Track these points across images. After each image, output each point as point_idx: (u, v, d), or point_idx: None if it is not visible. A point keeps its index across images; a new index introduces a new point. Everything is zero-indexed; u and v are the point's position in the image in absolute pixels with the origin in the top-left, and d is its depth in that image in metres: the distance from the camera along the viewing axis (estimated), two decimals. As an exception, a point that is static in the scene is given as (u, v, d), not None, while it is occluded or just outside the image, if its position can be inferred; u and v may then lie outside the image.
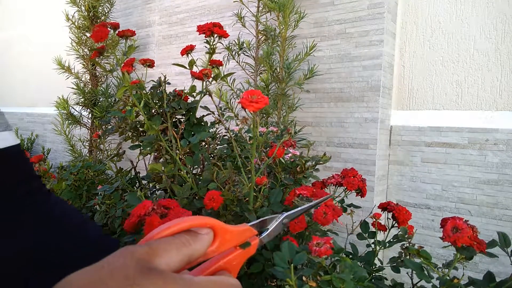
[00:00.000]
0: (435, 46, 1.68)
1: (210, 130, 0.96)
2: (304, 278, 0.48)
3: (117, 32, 0.79)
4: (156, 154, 0.93)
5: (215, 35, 0.96)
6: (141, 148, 0.89)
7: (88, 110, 2.41)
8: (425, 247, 0.63)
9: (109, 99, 2.33)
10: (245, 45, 1.75)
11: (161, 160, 0.90)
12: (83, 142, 2.46)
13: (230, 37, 1.51)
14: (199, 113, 0.95)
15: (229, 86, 1.69)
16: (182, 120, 0.95)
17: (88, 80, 2.52)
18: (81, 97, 2.37)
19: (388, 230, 0.80)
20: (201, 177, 0.88)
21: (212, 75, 0.92)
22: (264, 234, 0.40)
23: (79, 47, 2.45)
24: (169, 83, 0.94)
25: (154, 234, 0.30)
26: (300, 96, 1.78)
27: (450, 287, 0.53)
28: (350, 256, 0.76)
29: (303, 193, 0.70)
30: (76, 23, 2.44)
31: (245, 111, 0.51)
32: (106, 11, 2.50)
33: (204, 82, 0.92)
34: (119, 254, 0.26)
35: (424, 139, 1.68)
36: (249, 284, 0.68)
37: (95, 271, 0.25)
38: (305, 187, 0.75)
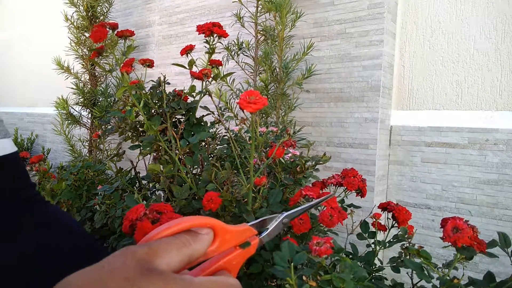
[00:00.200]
0: (435, 46, 1.68)
1: (210, 130, 0.96)
2: (304, 278, 0.48)
3: (116, 32, 0.79)
4: (155, 154, 0.93)
5: (215, 35, 0.96)
6: (141, 148, 0.89)
7: (87, 110, 2.41)
8: (425, 247, 0.62)
9: (109, 99, 2.33)
10: (244, 45, 1.75)
11: (160, 159, 0.90)
12: (83, 142, 2.46)
13: (230, 37, 1.51)
14: (199, 113, 0.95)
15: (229, 86, 1.69)
16: (181, 120, 0.95)
17: (88, 80, 2.52)
18: (80, 97, 2.37)
19: (388, 230, 0.80)
20: (200, 178, 0.88)
21: (211, 75, 0.92)
22: (264, 234, 0.40)
23: (78, 47, 2.45)
24: (168, 83, 0.94)
25: (155, 234, 0.30)
26: (300, 96, 1.78)
27: (450, 287, 0.53)
28: (350, 256, 0.76)
29: (309, 194, 0.69)
30: (75, 23, 2.44)
31: (243, 112, 0.51)
32: (105, 11, 2.50)
33: (204, 82, 0.92)
34: (120, 254, 0.26)
35: (424, 139, 1.68)
36: (249, 285, 0.68)
37: (95, 272, 0.25)
38: (311, 187, 0.74)
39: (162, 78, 0.93)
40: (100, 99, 2.34)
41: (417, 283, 0.70)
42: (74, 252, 0.42)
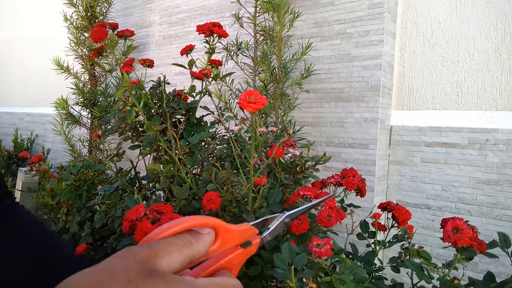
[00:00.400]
0: (435, 46, 1.68)
1: (210, 130, 0.96)
2: (304, 280, 0.48)
3: (116, 32, 0.79)
4: (155, 154, 0.92)
5: (215, 35, 0.95)
6: (141, 148, 0.89)
7: (87, 110, 2.41)
8: (425, 247, 0.62)
9: (109, 99, 2.32)
10: (243, 46, 1.75)
11: (160, 159, 0.90)
12: (83, 142, 2.46)
13: (229, 38, 1.51)
14: (199, 113, 0.95)
15: (228, 86, 1.69)
16: (181, 120, 0.95)
17: (87, 80, 2.51)
18: (80, 97, 2.36)
19: (388, 230, 0.80)
20: (200, 178, 0.88)
21: (211, 75, 0.92)
22: (265, 233, 0.39)
23: (77, 47, 2.45)
24: (168, 83, 0.94)
25: (156, 233, 0.30)
26: (300, 96, 1.78)
27: None
28: (350, 256, 0.76)
29: (307, 194, 0.69)
30: (74, 23, 2.44)
31: (243, 112, 0.51)
32: (104, 11, 2.50)
33: (204, 82, 0.91)
34: (121, 256, 0.26)
35: (424, 139, 1.68)
36: (249, 285, 0.68)
37: (96, 274, 0.25)
38: (309, 187, 0.74)
39: (162, 78, 0.93)
40: (100, 99, 2.34)
41: (417, 283, 0.70)
42: (56, 251, 0.45)
